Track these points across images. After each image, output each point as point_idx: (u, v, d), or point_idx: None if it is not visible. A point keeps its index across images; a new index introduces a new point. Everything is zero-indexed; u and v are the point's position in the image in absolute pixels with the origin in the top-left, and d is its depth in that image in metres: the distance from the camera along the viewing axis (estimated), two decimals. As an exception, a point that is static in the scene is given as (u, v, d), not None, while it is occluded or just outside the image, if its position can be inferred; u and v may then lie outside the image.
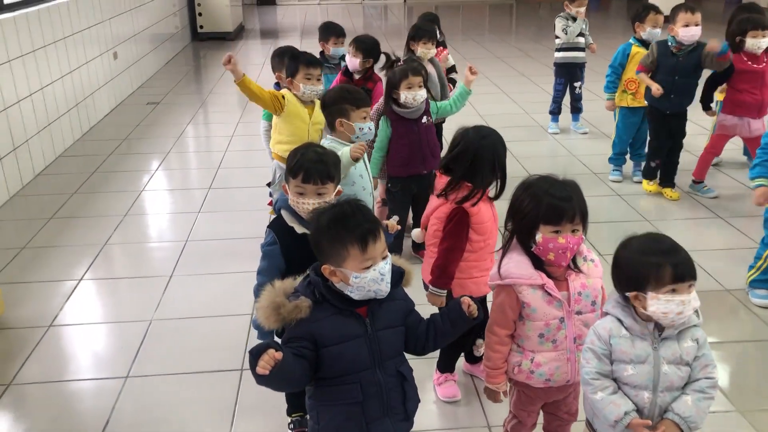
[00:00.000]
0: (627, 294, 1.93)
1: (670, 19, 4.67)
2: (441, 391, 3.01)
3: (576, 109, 6.69)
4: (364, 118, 3.20)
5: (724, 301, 3.77)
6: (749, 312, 3.65)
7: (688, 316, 1.90)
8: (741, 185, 5.30)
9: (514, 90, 8.41)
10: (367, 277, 1.86)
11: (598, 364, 1.97)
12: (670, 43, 4.64)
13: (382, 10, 17.01)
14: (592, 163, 5.85)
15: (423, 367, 3.13)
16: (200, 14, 12.06)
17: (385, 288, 1.90)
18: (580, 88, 6.59)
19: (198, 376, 3.20)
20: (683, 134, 4.98)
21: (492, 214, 2.73)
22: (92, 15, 7.24)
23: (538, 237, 2.15)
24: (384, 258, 1.90)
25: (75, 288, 3.97)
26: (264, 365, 1.72)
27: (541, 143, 6.51)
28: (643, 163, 5.30)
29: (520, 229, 2.21)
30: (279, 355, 1.74)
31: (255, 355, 1.74)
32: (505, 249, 2.29)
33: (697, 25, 4.52)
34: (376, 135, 3.82)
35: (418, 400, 2.12)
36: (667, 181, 5.09)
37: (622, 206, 5.02)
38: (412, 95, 3.74)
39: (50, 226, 4.80)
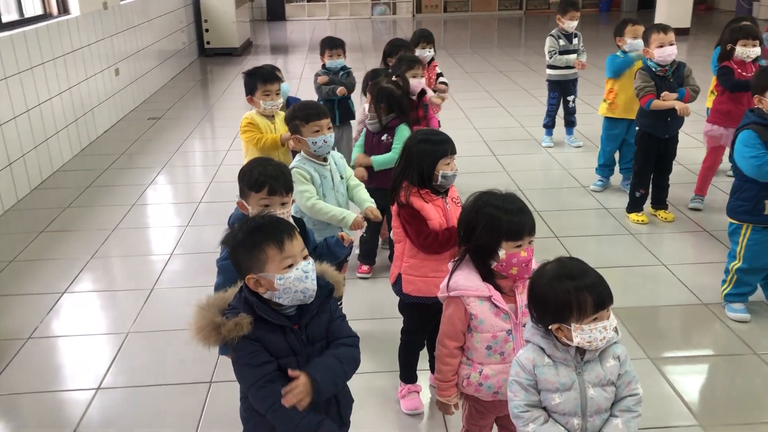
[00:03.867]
0: (549, 327, 1.91)
1: (644, 42, 4.65)
2: (404, 404, 3.02)
3: (570, 123, 6.69)
4: (317, 131, 3.19)
5: (701, 315, 3.74)
6: (724, 326, 3.62)
7: (610, 338, 1.90)
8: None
9: (512, 104, 8.42)
10: (291, 276, 1.89)
11: (525, 396, 1.95)
12: (654, 69, 4.56)
13: (391, 25, 17.12)
14: (583, 177, 5.84)
15: (389, 380, 3.17)
16: (207, 30, 12.23)
17: (311, 286, 1.92)
18: (573, 101, 6.58)
19: (166, 388, 3.24)
20: (674, 156, 4.86)
21: (443, 216, 2.69)
22: (93, 32, 7.38)
23: (501, 254, 2.18)
24: (305, 258, 1.94)
25: (57, 301, 4.03)
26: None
27: (534, 156, 6.51)
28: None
29: (481, 249, 2.23)
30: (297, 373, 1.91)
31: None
32: (456, 265, 2.31)
33: (671, 44, 4.45)
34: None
35: (352, 401, 2.18)
36: (659, 203, 4.97)
37: (608, 220, 5.01)
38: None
39: (40, 239, 4.88)
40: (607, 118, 5.41)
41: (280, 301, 1.93)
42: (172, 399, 3.17)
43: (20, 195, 5.62)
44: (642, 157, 4.81)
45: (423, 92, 4.48)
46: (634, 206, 4.96)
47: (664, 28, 4.48)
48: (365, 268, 4.22)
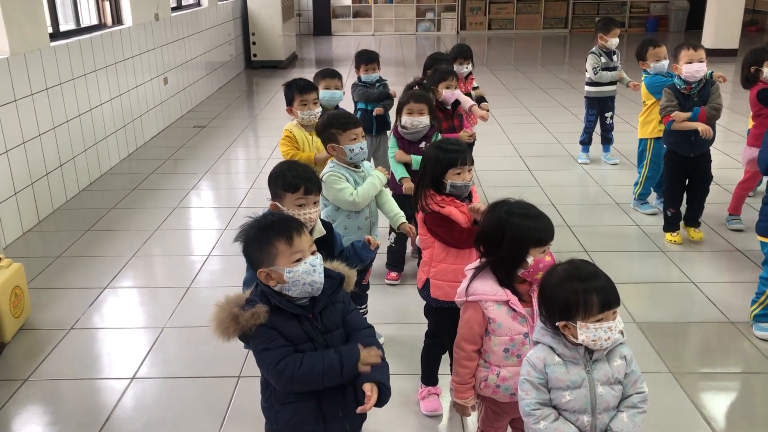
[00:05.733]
0: (557, 324, 1.98)
1: (674, 58, 4.63)
2: (423, 406, 3.10)
3: (607, 140, 6.71)
4: (354, 139, 3.30)
5: (727, 332, 3.73)
6: (751, 345, 3.61)
7: (615, 339, 1.96)
8: (766, 219, 5.21)
9: (550, 120, 8.45)
10: (299, 269, 2.01)
11: (537, 394, 2.02)
12: (678, 86, 4.56)
13: (435, 41, 17.26)
14: (618, 194, 5.85)
15: (411, 382, 3.25)
16: (254, 43, 12.55)
17: (318, 279, 2.04)
18: (611, 118, 6.61)
19: (197, 381, 3.38)
20: (709, 177, 4.77)
21: (469, 221, 2.74)
22: (144, 43, 7.68)
23: (530, 260, 2.24)
24: (313, 253, 2.06)
25: (99, 295, 4.22)
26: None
27: (569, 173, 6.54)
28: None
29: (510, 258, 2.26)
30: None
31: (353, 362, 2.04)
32: (476, 272, 2.39)
33: (701, 61, 4.44)
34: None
35: None
36: (691, 221, 4.90)
37: (641, 238, 5.01)
38: (411, 120, 3.90)
39: (86, 237, 5.11)
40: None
41: (289, 293, 2.04)
42: (201, 391, 3.30)
43: (69, 195, 5.88)
44: (670, 175, 4.81)
45: (457, 102, 4.57)
46: (669, 226, 4.93)
47: (694, 45, 4.48)
48: (393, 274, 4.32)
